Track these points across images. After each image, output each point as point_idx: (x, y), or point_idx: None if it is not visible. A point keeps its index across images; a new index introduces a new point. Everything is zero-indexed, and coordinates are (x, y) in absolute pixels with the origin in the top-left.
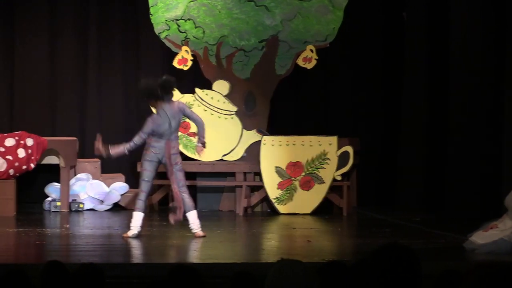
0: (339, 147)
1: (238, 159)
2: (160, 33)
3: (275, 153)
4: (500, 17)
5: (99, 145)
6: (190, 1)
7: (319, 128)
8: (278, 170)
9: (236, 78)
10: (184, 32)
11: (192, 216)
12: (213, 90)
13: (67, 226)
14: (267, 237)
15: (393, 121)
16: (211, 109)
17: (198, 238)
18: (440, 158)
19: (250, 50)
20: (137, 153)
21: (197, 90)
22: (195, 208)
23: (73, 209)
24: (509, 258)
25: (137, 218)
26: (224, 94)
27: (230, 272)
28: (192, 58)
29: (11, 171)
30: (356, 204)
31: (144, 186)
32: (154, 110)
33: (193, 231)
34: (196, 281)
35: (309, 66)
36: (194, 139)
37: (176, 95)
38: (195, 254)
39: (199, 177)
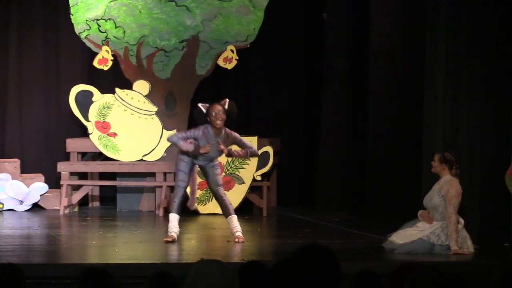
0: (259, 148)
1: (158, 159)
2: (81, 33)
3: None
4: (421, 17)
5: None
6: (111, 1)
7: (239, 129)
8: (198, 171)
9: (156, 78)
10: (105, 32)
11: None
12: (134, 90)
13: None
14: (187, 237)
15: (314, 122)
16: (131, 109)
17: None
18: (360, 159)
19: (170, 50)
20: (57, 154)
21: (117, 90)
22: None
23: None
24: (428, 258)
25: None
26: (144, 94)
27: (149, 273)
28: (112, 58)
29: None
30: (276, 205)
31: None
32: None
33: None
34: (107, 282)
35: (230, 66)
36: (114, 139)
37: (96, 95)
38: (114, 254)
39: (119, 177)
